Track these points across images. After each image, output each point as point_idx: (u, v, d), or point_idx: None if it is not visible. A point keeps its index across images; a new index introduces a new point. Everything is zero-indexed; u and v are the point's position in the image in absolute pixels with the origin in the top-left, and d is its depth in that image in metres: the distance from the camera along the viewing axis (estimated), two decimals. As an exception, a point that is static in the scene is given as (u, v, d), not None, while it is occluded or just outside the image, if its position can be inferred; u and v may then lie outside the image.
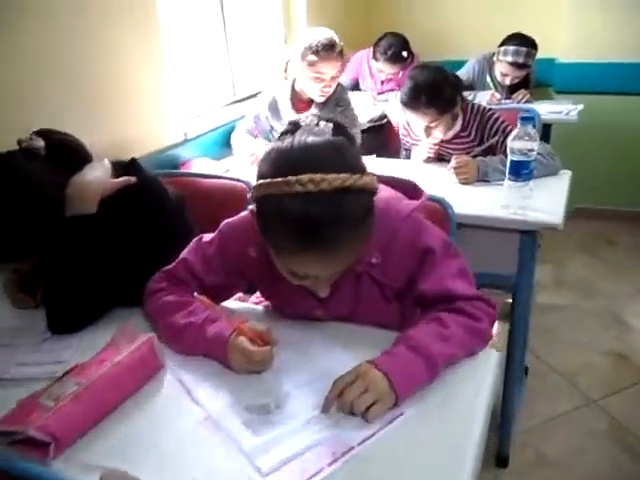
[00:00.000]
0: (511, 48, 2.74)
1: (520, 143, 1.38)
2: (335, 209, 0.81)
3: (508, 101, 2.90)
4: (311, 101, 2.15)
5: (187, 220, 1.31)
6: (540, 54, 3.19)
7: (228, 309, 1.11)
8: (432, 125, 1.81)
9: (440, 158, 2.00)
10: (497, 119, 1.85)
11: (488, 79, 2.91)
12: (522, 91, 2.89)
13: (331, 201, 0.80)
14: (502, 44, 2.81)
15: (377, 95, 3.07)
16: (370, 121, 2.54)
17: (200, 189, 1.75)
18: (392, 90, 3.10)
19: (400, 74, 3.03)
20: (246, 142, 2.23)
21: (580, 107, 2.62)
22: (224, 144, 2.33)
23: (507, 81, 2.85)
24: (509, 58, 2.75)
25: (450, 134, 1.90)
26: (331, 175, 0.79)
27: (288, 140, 0.85)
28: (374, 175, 0.88)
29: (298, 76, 2.10)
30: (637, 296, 2.71)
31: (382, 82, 3.09)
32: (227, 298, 1.14)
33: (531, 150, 1.38)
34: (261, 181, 0.85)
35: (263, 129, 2.31)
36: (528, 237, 1.46)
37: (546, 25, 3.34)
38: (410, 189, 1.09)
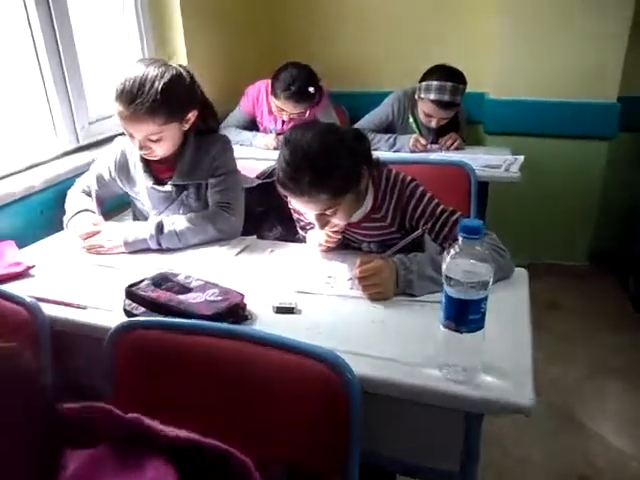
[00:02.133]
0: (434, 83, 2.23)
1: (466, 270, 0.81)
2: None
3: (435, 146, 2.39)
4: (175, 162, 1.51)
5: None
6: (469, 88, 2.78)
7: None
8: (327, 213, 1.21)
9: (346, 244, 1.42)
10: (423, 195, 1.29)
11: (411, 120, 2.39)
12: (452, 135, 2.39)
13: None
14: (423, 78, 2.30)
15: (278, 136, 2.47)
16: (261, 176, 1.92)
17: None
18: (296, 130, 2.52)
19: (307, 113, 2.46)
20: (78, 204, 1.56)
21: (521, 158, 2.14)
22: (50, 217, 1.63)
23: (433, 123, 2.34)
24: (432, 95, 2.24)
25: (358, 215, 1.32)
26: None
27: None
28: None
29: None
30: (589, 380, 2.25)
31: (284, 121, 2.49)
32: None
33: (484, 283, 0.80)
34: None
35: (112, 194, 1.64)
36: (476, 419, 0.89)
37: (475, 56, 2.90)
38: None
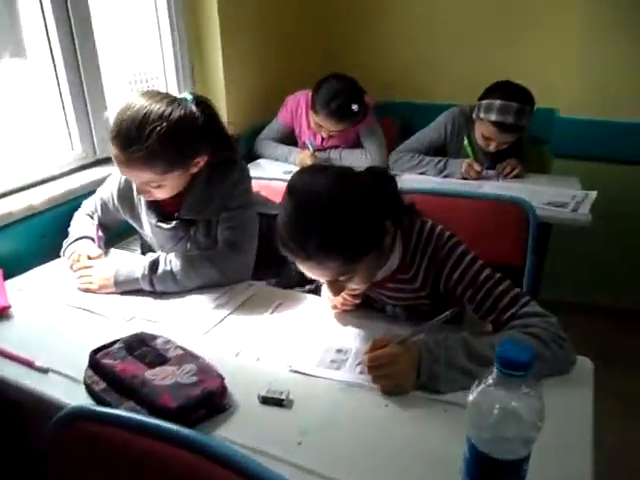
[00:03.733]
0: (497, 103, 1.94)
1: (502, 410, 0.56)
2: None
3: (492, 173, 2.11)
4: (183, 195, 1.32)
5: None
6: (537, 103, 2.47)
7: None
8: (341, 279, 0.98)
9: (368, 303, 1.18)
10: (464, 256, 1.03)
11: (465, 142, 2.11)
12: (511, 161, 2.09)
13: None
14: (484, 96, 2.02)
15: (315, 153, 2.26)
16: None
17: None
18: (336, 147, 2.30)
19: (349, 131, 2.23)
20: (80, 230, 1.42)
21: (592, 195, 1.82)
22: (52, 241, 1.48)
23: (491, 147, 2.05)
24: (493, 116, 1.95)
25: (382, 273, 1.08)
26: None
27: None
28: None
29: None
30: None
31: (323, 138, 2.27)
32: None
33: (529, 439, 0.56)
34: None
35: (117, 221, 1.49)
36: None
37: (546, 66, 2.57)
38: None
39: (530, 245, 1.57)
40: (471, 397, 0.59)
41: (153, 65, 2.06)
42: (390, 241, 1.02)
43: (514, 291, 1.00)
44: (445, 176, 2.06)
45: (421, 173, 2.10)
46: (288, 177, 1.91)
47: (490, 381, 0.57)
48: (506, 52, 2.61)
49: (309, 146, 2.24)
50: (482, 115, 1.99)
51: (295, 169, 2.07)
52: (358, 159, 2.22)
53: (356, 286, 1.02)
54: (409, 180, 2.05)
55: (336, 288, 0.99)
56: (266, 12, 2.39)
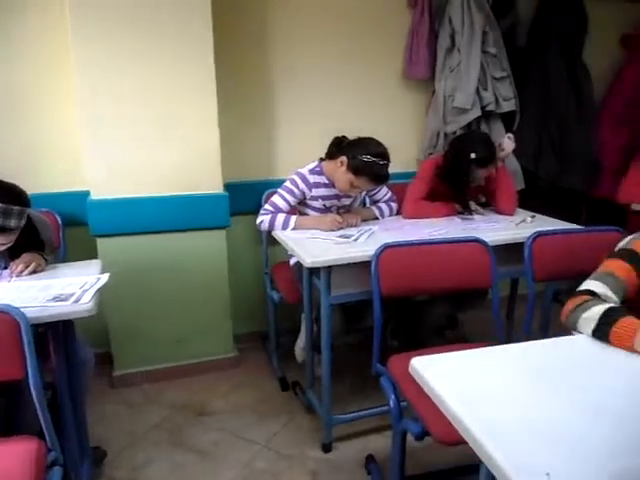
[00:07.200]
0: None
1: None
2: None
3: (5, 272, 1.90)
4: None
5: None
6: (71, 188, 2.59)
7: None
8: None
9: None
10: None
11: None
12: (25, 257, 1.91)
13: None
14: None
15: None
16: None
17: None
18: None
19: None
20: None
21: (105, 278, 1.80)
22: None
23: (-4, 248, 1.84)
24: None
25: None
26: None
27: None
28: None
29: None
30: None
31: None
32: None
33: None
34: None
35: None
36: None
37: (74, 153, 2.59)
38: None
39: (28, 356, 1.42)
40: None
41: None
42: None
43: None
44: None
45: None
46: None
47: None
48: (28, 141, 2.57)
49: None
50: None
51: None
52: None
53: None
54: None
55: None
56: None
